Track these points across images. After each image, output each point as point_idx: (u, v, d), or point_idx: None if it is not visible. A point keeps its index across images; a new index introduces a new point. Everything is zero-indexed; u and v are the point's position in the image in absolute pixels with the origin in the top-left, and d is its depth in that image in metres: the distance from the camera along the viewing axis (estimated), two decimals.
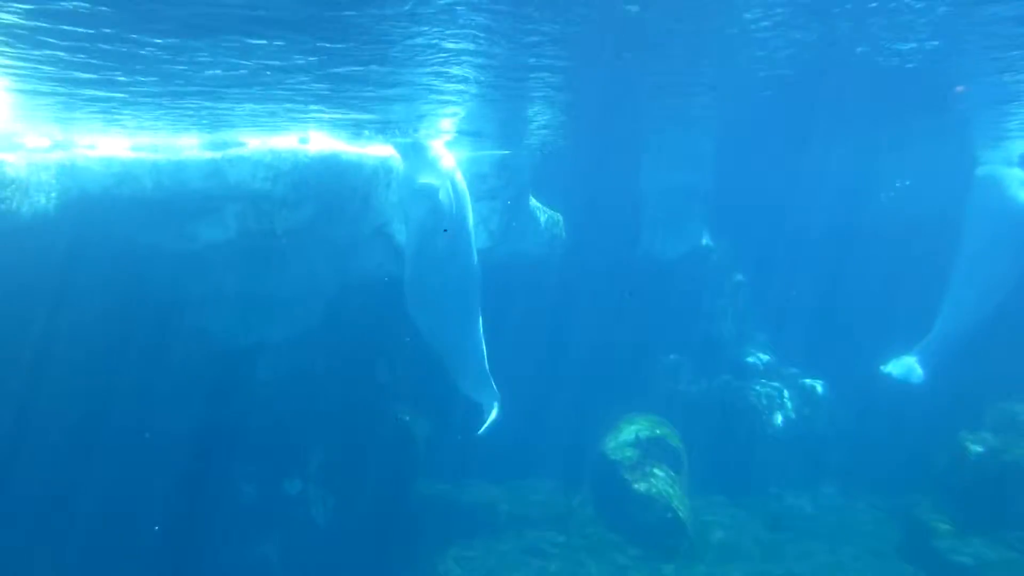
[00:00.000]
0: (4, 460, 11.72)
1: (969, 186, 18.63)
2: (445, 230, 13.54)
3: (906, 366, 18.80)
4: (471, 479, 17.13)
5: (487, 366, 15.23)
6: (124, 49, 8.20)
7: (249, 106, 11.32)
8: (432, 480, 16.52)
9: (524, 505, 16.90)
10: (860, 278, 20.38)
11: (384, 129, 13.75)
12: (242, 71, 9.23)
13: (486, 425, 15.14)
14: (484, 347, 15.10)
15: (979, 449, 15.57)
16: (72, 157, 12.12)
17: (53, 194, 11.66)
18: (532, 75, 10.59)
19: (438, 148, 14.30)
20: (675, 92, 12.45)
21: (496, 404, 15.25)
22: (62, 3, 6.76)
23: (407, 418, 15.74)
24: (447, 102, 11.73)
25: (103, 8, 6.97)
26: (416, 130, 13.85)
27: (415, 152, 14.17)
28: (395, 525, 14.95)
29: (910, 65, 10.42)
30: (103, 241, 12.25)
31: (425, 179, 14.00)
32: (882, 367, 18.95)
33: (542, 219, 17.62)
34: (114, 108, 11.16)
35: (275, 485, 14.48)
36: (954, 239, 18.68)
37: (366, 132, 13.81)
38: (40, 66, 8.83)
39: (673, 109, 14.08)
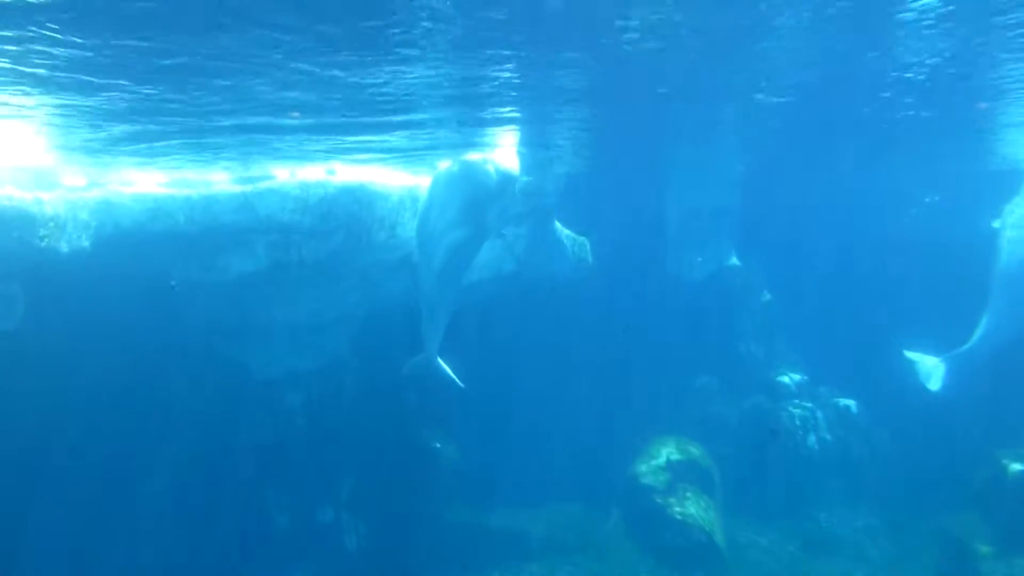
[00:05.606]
0: (40, 488, 12.00)
1: (1013, 196, 18.33)
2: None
3: (930, 369, 18.43)
4: (500, 504, 17.01)
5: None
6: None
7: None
8: (462, 506, 16.49)
9: (554, 530, 16.74)
10: (891, 295, 20.11)
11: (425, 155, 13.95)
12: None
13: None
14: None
15: (1018, 467, 15.23)
16: (107, 194, 12.48)
17: (89, 230, 12.01)
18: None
19: (490, 163, 13.59)
20: (700, 107, 12.37)
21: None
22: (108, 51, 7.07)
23: (436, 444, 15.79)
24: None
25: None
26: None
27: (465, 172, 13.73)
28: (425, 551, 14.96)
29: (951, 70, 10.25)
30: (137, 275, 12.56)
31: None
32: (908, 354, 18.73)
33: (568, 243, 17.68)
34: (149, 147, 11.52)
35: (308, 512, 14.60)
36: (988, 254, 18.34)
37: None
38: (76, 115, 9.21)
39: (698, 125, 14.03)
